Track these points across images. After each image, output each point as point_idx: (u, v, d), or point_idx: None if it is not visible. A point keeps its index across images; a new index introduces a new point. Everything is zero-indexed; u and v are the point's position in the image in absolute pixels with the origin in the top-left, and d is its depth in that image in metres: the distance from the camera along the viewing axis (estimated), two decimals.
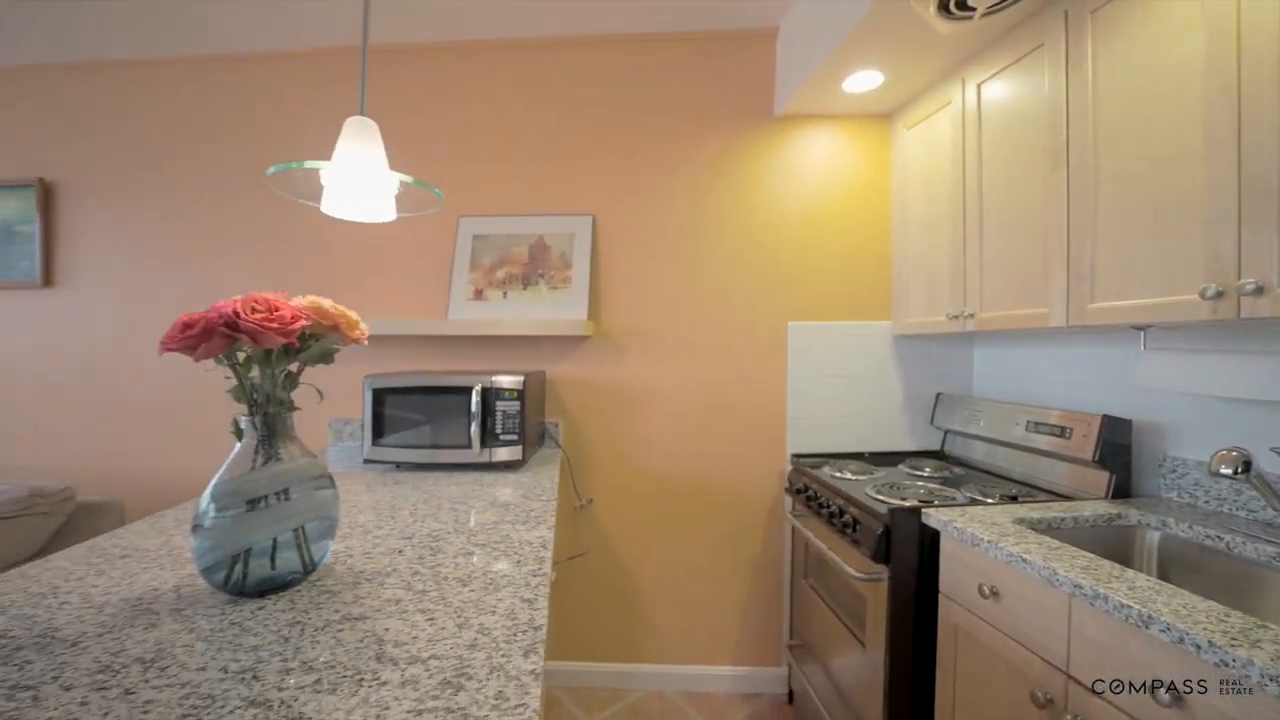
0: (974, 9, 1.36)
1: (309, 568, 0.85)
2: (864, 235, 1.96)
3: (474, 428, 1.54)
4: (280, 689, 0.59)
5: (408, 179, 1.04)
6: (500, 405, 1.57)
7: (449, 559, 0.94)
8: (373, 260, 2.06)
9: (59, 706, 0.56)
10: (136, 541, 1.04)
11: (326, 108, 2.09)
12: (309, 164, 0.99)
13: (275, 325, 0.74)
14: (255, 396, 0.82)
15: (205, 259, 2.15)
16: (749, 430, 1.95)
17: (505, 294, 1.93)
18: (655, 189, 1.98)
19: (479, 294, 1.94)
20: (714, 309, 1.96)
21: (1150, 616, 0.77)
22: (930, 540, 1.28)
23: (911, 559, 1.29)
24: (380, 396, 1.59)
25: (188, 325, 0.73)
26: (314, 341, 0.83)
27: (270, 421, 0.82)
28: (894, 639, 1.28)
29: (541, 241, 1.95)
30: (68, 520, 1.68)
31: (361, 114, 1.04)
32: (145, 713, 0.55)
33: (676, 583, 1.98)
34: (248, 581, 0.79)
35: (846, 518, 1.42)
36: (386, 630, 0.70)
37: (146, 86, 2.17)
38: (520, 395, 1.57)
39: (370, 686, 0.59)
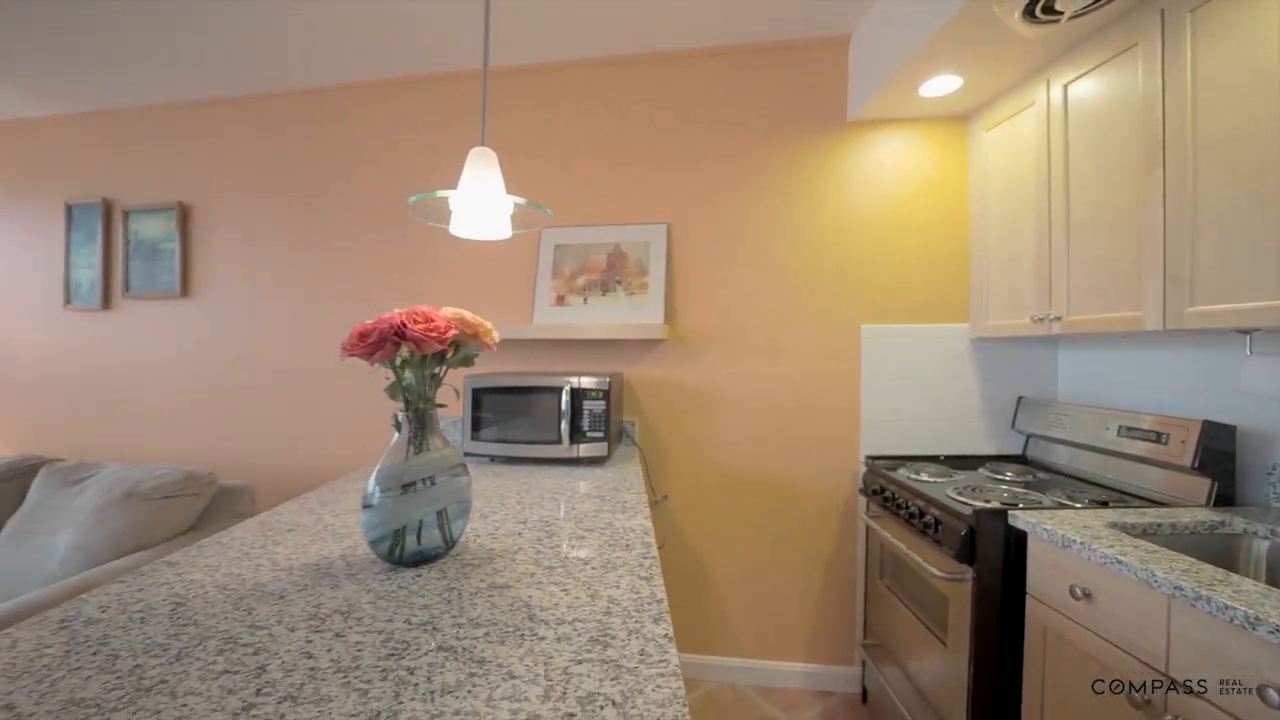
0: (1061, 13, 1.36)
1: (450, 544, 0.97)
2: (938, 237, 1.96)
3: (564, 425, 1.66)
4: (458, 639, 0.70)
5: (521, 201, 1.15)
6: (587, 405, 1.68)
7: (564, 541, 1.05)
8: (464, 270, 2.22)
9: (291, 643, 0.69)
10: (294, 519, 1.20)
11: (426, 132, 2.28)
12: (440, 193, 1.13)
13: (434, 334, 0.86)
14: (409, 395, 0.95)
15: (314, 271, 2.39)
16: (821, 431, 1.98)
17: (585, 300, 2.05)
18: (728, 197, 2.05)
19: (561, 300, 2.07)
20: (787, 312, 2.01)
21: (1258, 618, 0.78)
22: (1016, 542, 1.29)
23: (996, 560, 1.30)
24: (479, 395, 1.73)
25: (364, 335, 0.87)
26: (458, 348, 0.95)
27: (421, 416, 0.95)
28: (978, 638, 1.30)
29: (619, 249, 2.06)
30: (211, 501, 1.92)
31: (482, 144, 1.17)
32: (358, 651, 0.67)
33: (748, 579, 2.04)
34: (405, 553, 0.92)
35: (928, 519, 1.44)
36: (530, 598, 0.81)
37: (270, 117, 2.43)
38: (606, 395, 1.68)
39: (531, 640, 0.69)
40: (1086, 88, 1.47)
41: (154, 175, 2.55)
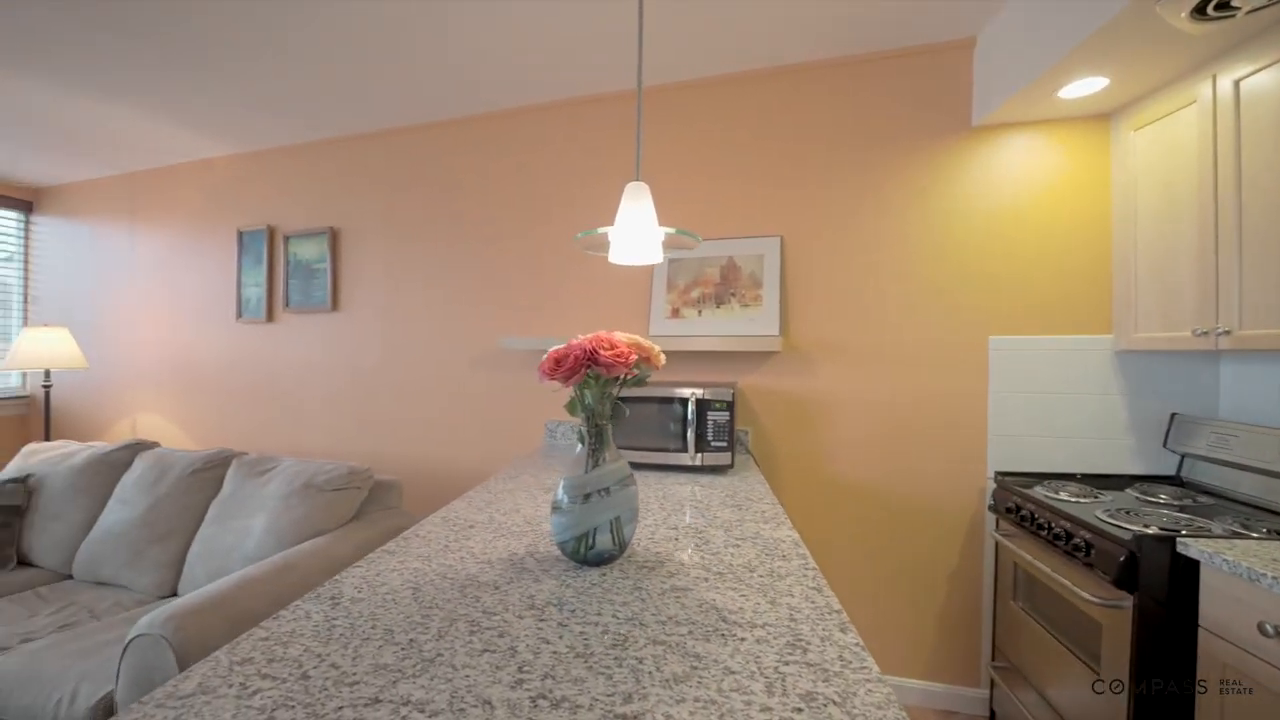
0: (1237, 8, 1.28)
1: (622, 547, 1.07)
2: (1074, 245, 1.86)
3: (689, 434, 1.74)
4: (666, 634, 0.79)
5: (672, 230, 1.24)
6: (711, 415, 1.75)
7: (723, 549, 1.12)
8: (582, 284, 2.36)
9: (525, 629, 0.81)
10: (469, 516, 1.35)
11: (545, 158, 2.45)
12: (601, 230, 1.24)
13: (620, 360, 0.96)
14: (589, 413, 1.06)
15: (444, 286, 2.62)
16: (945, 446, 1.94)
17: (700, 312, 2.13)
18: (844, 207, 2.05)
19: (675, 312, 2.15)
20: (908, 323, 1.98)
21: None
22: (1183, 571, 1.23)
23: (1159, 588, 1.24)
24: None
25: (559, 361, 0.98)
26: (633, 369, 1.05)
27: (599, 432, 1.06)
28: (1140, 670, 1.25)
29: (732, 262, 2.12)
30: (368, 494, 2.16)
31: (637, 178, 1.27)
32: (586, 640, 0.77)
33: (867, 593, 2.03)
34: (588, 554, 1.03)
35: (1076, 541, 1.39)
36: (714, 601, 0.89)
37: (406, 148, 2.70)
38: (729, 407, 1.74)
39: (734, 641, 0.77)
40: (1266, 82, 1.36)
41: (309, 204, 2.89)
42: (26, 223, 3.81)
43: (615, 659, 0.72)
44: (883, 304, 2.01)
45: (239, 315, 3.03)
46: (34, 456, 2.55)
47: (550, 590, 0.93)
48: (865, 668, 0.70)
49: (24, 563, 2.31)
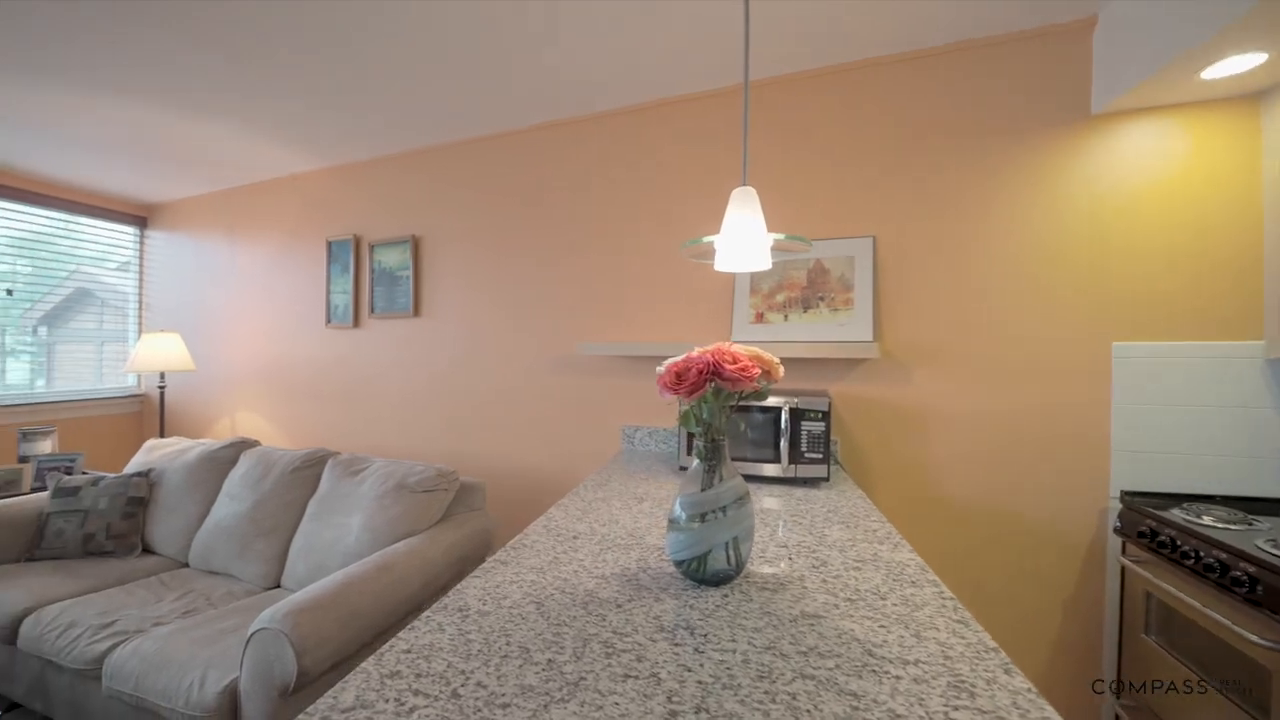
0: None
1: (739, 567, 1.03)
2: (1216, 241, 1.68)
3: (783, 444, 1.69)
4: (813, 667, 0.74)
5: (781, 235, 1.19)
6: (806, 425, 1.68)
7: (844, 571, 1.06)
8: (661, 289, 2.34)
9: (662, 654, 0.78)
10: (570, 526, 1.35)
11: (621, 164, 2.44)
12: (706, 239, 1.20)
13: (745, 374, 0.92)
14: (705, 428, 1.03)
15: (522, 290, 2.66)
16: (1061, 462, 1.79)
17: (786, 317, 2.06)
18: (944, 205, 1.94)
19: (760, 317, 2.10)
20: (1017, 328, 1.85)
21: None
22: None
23: None
24: None
25: (680, 375, 0.95)
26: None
27: (716, 447, 1.03)
28: None
29: (819, 265, 2.04)
30: (454, 496, 2.22)
31: (744, 184, 1.23)
32: (729, 670, 0.74)
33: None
34: (706, 573, 1.00)
35: (1237, 574, 1.24)
36: (852, 631, 0.84)
37: (485, 156, 2.76)
38: (825, 417, 1.67)
39: (889, 679, 0.72)
40: None
41: (392, 213, 3.01)
42: (141, 237, 4.15)
43: (766, 693, 0.69)
44: (988, 308, 1.88)
45: (328, 321, 3.19)
46: (154, 452, 2.77)
47: (675, 611, 0.91)
48: (1046, 717, 0.63)
49: (147, 550, 2.51)
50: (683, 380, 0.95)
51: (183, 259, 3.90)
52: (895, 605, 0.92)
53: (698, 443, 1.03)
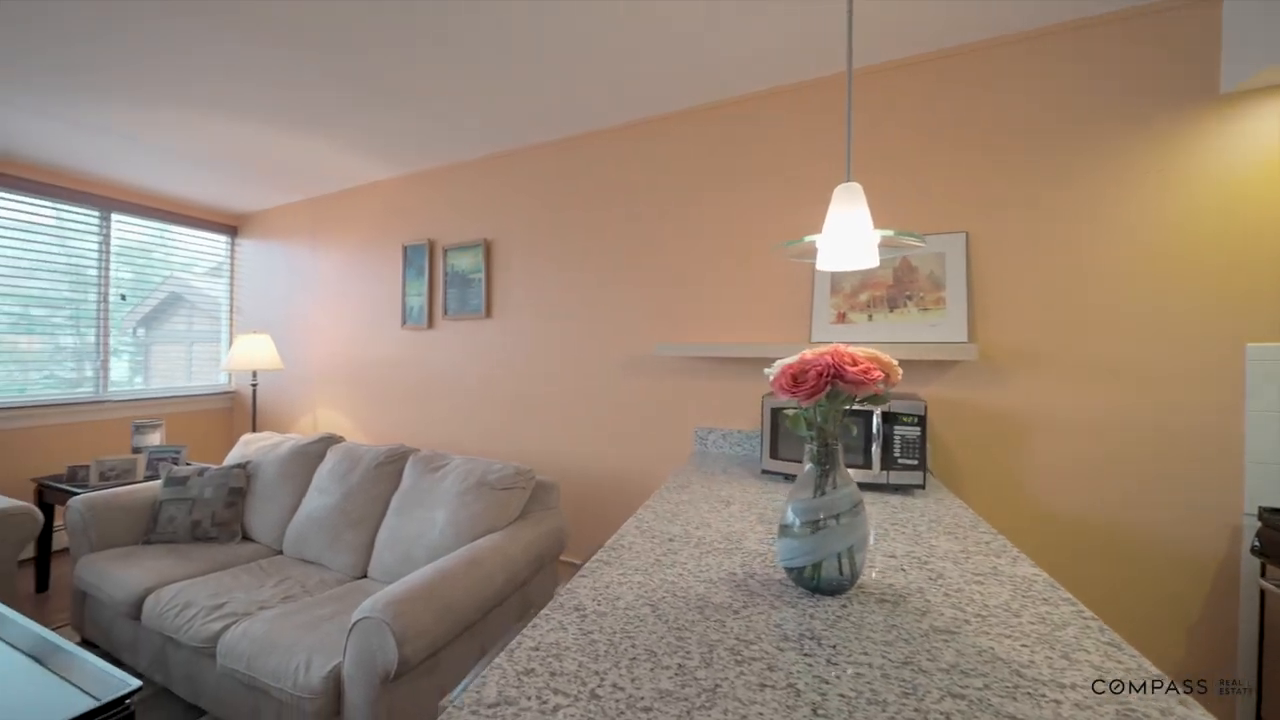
0: None
1: (853, 577, 0.99)
2: None
3: (875, 449, 1.63)
4: (960, 687, 0.70)
5: (890, 231, 1.14)
6: (899, 430, 1.62)
7: (964, 585, 1.01)
8: (737, 288, 2.31)
9: (793, 664, 0.76)
10: (663, 528, 1.34)
11: (691, 163, 2.43)
12: (808, 239, 1.17)
13: (868, 377, 0.89)
14: (818, 432, 1.00)
15: (593, 291, 2.68)
16: (1183, 474, 1.65)
17: (870, 316, 1.99)
18: (1044, 197, 1.82)
19: (842, 318, 2.03)
20: (1131, 329, 1.71)
21: None
22: None
23: None
24: (778, 415, 1.78)
25: (797, 378, 0.93)
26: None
27: (830, 452, 0.99)
28: None
29: (907, 263, 1.96)
30: (530, 494, 2.26)
31: (848, 179, 1.19)
32: (870, 685, 0.71)
33: None
34: (820, 581, 0.97)
35: None
36: (992, 649, 0.79)
37: (554, 161, 2.81)
38: (921, 420, 1.60)
39: (1048, 703, 0.67)
40: None
41: (465, 218, 3.10)
42: (232, 244, 4.46)
43: (916, 710, 0.66)
44: (1098, 307, 1.75)
45: (403, 323, 3.32)
46: (249, 445, 2.96)
47: (795, 620, 0.88)
48: None
49: (246, 538, 2.68)
50: (800, 383, 0.92)
51: (269, 265, 4.15)
52: (1032, 624, 0.86)
53: (810, 447, 1.00)
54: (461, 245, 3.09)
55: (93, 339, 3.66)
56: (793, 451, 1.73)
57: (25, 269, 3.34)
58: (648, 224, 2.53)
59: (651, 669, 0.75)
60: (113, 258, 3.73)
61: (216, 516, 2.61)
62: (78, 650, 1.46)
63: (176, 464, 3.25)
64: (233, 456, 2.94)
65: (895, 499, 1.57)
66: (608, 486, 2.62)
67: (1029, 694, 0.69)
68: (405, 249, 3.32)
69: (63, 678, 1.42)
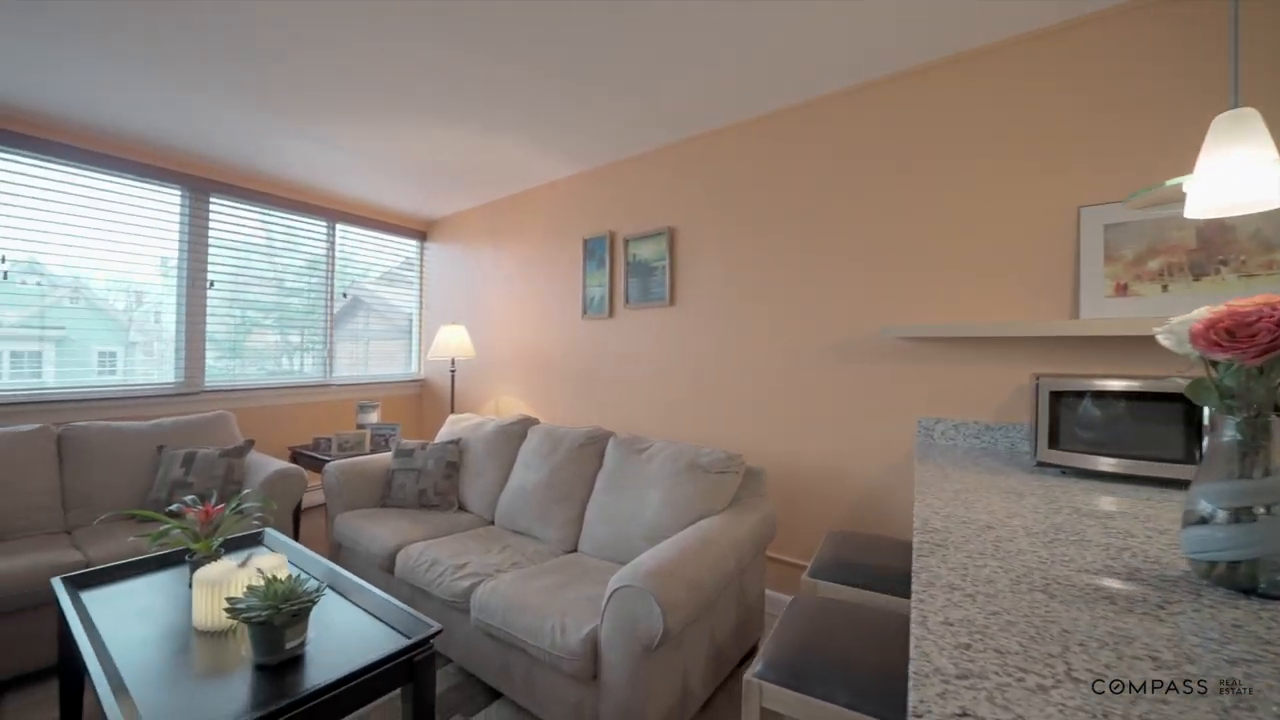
0: None
1: None
2: None
3: (1206, 442, 1.36)
4: None
5: None
6: None
7: None
8: (967, 265, 2.10)
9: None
10: (957, 513, 1.22)
11: (889, 138, 2.25)
12: (1172, 182, 0.99)
13: None
14: (1241, 403, 0.83)
15: (785, 274, 2.59)
16: None
17: (1165, 288, 1.69)
18: None
19: (1122, 289, 1.75)
20: None
21: None
22: None
23: None
24: (1058, 399, 1.57)
25: (1233, 331, 0.77)
26: None
27: (1261, 427, 0.82)
28: None
29: (1219, 222, 1.63)
30: (741, 480, 2.23)
31: (1233, 105, 0.99)
32: None
33: None
34: (1261, 583, 0.80)
35: None
36: None
37: (741, 143, 2.75)
38: None
39: None
40: None
41: (647, 208, 3.16)
42: (421, 248, 4.97)
43: None
44: None
45: (584, 313, 3.47)
46: (456, 424, 3.26)
47: (1238, 624, 0.73)
48: None
49: (461, 507, 2.95)
50: (1239, 337, 0.76)
51: (453, 265, 4.57)
52: None
53: (1231, 419, 0.83)
54: (643, 235, 3.15)
55: (321, 333, 4.26)
56: (1095, 443, 1.51)
57: (274, 274, 3.98)
58: (849, 200, 2.38)
59: (1117, 657, 0.64)
60: (336, 262, 4.32)
61: (438, 487, 2.89)
62: (385, 595, 1.65)
63: (390, 440, 3.68)
64: (443, 434, 3.25)
65: None
66: (812, 476, 2.51)
67: None
68: (585, 242, 3.46)
69: (376, 617, 1.62)
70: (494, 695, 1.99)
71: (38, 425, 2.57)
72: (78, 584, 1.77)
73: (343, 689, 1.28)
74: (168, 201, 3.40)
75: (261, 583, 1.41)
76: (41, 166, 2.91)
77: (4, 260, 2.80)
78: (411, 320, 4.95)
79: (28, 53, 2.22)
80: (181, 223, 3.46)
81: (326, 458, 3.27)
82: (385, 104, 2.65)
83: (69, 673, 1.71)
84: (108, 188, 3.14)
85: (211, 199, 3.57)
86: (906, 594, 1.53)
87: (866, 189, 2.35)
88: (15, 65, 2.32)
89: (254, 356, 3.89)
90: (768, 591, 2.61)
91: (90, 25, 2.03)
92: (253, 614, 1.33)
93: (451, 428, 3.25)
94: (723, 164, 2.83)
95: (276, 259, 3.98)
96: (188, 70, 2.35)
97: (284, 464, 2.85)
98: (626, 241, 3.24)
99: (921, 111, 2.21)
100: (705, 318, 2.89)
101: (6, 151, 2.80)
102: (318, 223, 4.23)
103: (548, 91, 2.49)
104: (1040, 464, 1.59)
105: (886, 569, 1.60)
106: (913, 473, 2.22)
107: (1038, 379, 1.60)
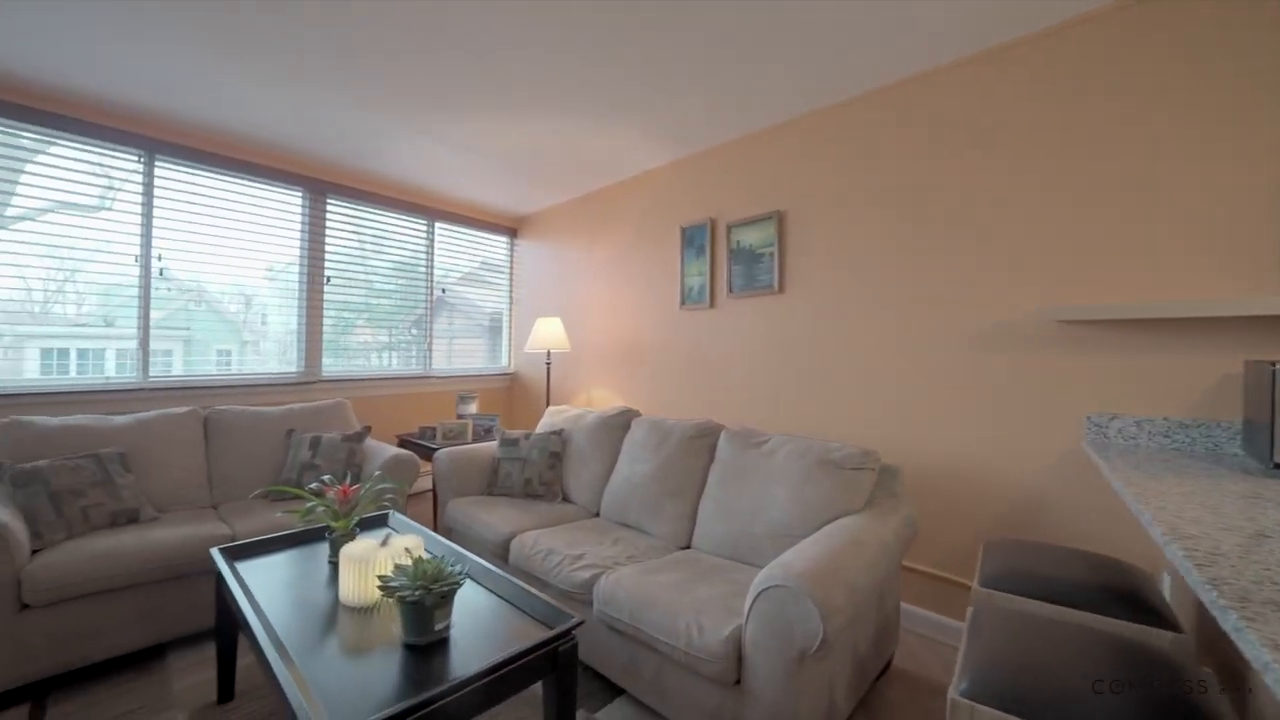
0: None
1: None
2: None
3: None
4: None
5: None
6: None
7: None
8: (1140, 234, 1.82)
9: None
10: (1217, 520, 1.01)
11: (1030, 101, 1.99)
12: None
13: None
14: None
15: (914, 258, 2.37)
16: None
17: None
18: None
19: None
20: None
21: None
22: None
23: None
24: None
25: None
26: None
27: None
28: None
29: None
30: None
31: None
32: None
33: None
34: None
35: None
36: None
37: (855, 122, 2.56)
38: None
39: None
40: None
41: (751, 192, 3.02)
42: (512, 244, 5.07)
43: None
44: None
45: (682, 303, 3.37)
46: (557, 416, 3.25)
47: None
48: None
49: (565, 498, 2.93)
50: None
51: (544, 259, 4.61)
52: None
53: None
54: (748, 220, 3.01)
55: (421, 327, 4.42)
56: None
57: (378, 272, 4.15)
58: (989, 172, 2.14)
59: None
60: (436, 259, 4.47)
61: (542, 476, 2.89)
62: (520, 583, 1.62)
63: (490, 431, 3.75)
64: (544, 425, 3.26)
65: None
66: (939, 478, 2.29)
67: None
68: (683, 230, 3.37)
69: (511, 604, 1.59)
70: (616, 691, 1.92)
71: (188, 408, 2.78)
72: (233, 555, 1.86)
73: (495, 675, 1.24)
74: (289, 203, 3.62)
75: (409, 562, 1.40)
76: (191, 174, 3.17)
77: (160, 258, 3.06)
78: (502, 315, 5.05)
79: (187, 74, 2.39)
80: (303, 222, 3.67)
81: (433, 445, 3.36)
82: (496, 102, 2.67)
83: (225, 637, 1.81)
84: (242, 191, 3.38)
85: (329, 199, 3.77)
86: (1101, 609, 1.33)
87: (1021, 156, 2.10)
88: (177, 86, 2.52)
89: (358, 351, 4.08)
90: (902, 605, 2.41)
91: (235, 47, 2.15)
92: (405, 593, 1.32)
93: (552, 419, 3.24)
94: (844, 138, 2.64)
95: (384, 255, 4.16)
96: (322, 77, 2.46)
97: (397, 450, 2.94)
98: (729, 228, 3.11)
99: (1082, 64, 1.94)
100: (818, 305, 2.72)
101: (167, 162, 3.06)
102: (419, 221, 4.38)
103: (676, 68, 2.39)
104: (1276, 465, 1.32)
105: (1071, 581, 1.40)
106: (1076, 475, 1.97)
107: (1275, 366, 1.33)
